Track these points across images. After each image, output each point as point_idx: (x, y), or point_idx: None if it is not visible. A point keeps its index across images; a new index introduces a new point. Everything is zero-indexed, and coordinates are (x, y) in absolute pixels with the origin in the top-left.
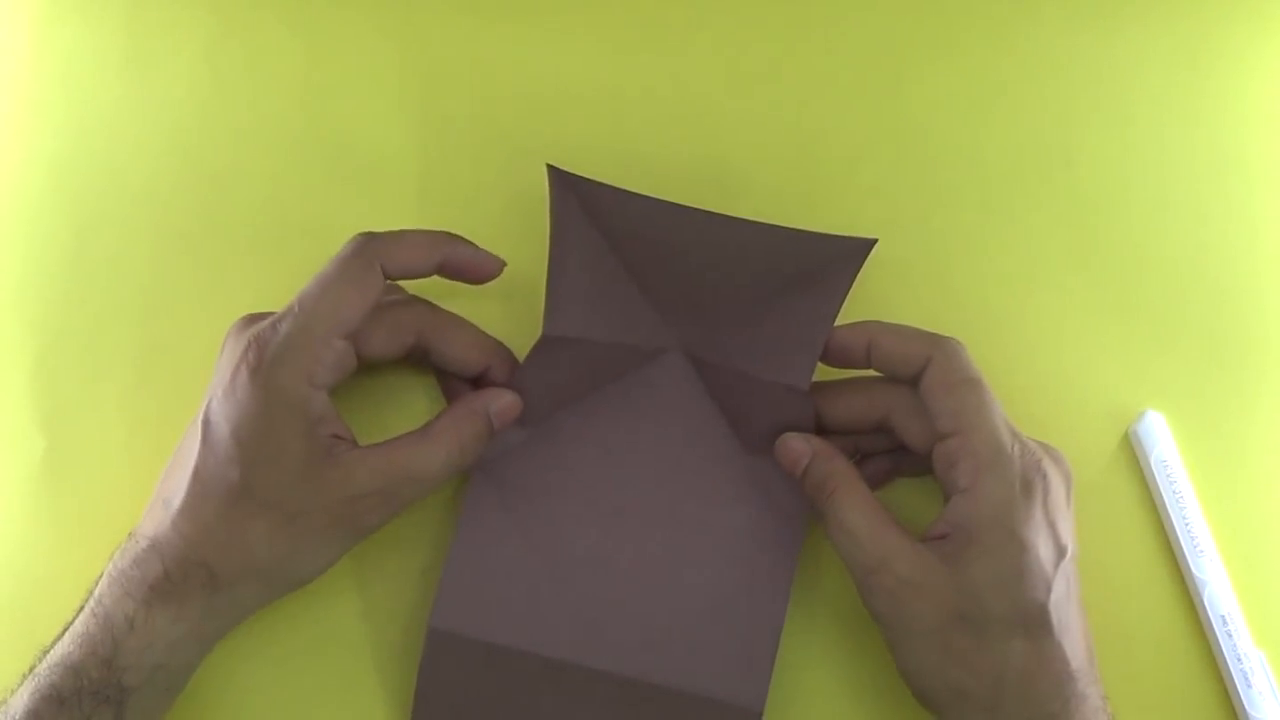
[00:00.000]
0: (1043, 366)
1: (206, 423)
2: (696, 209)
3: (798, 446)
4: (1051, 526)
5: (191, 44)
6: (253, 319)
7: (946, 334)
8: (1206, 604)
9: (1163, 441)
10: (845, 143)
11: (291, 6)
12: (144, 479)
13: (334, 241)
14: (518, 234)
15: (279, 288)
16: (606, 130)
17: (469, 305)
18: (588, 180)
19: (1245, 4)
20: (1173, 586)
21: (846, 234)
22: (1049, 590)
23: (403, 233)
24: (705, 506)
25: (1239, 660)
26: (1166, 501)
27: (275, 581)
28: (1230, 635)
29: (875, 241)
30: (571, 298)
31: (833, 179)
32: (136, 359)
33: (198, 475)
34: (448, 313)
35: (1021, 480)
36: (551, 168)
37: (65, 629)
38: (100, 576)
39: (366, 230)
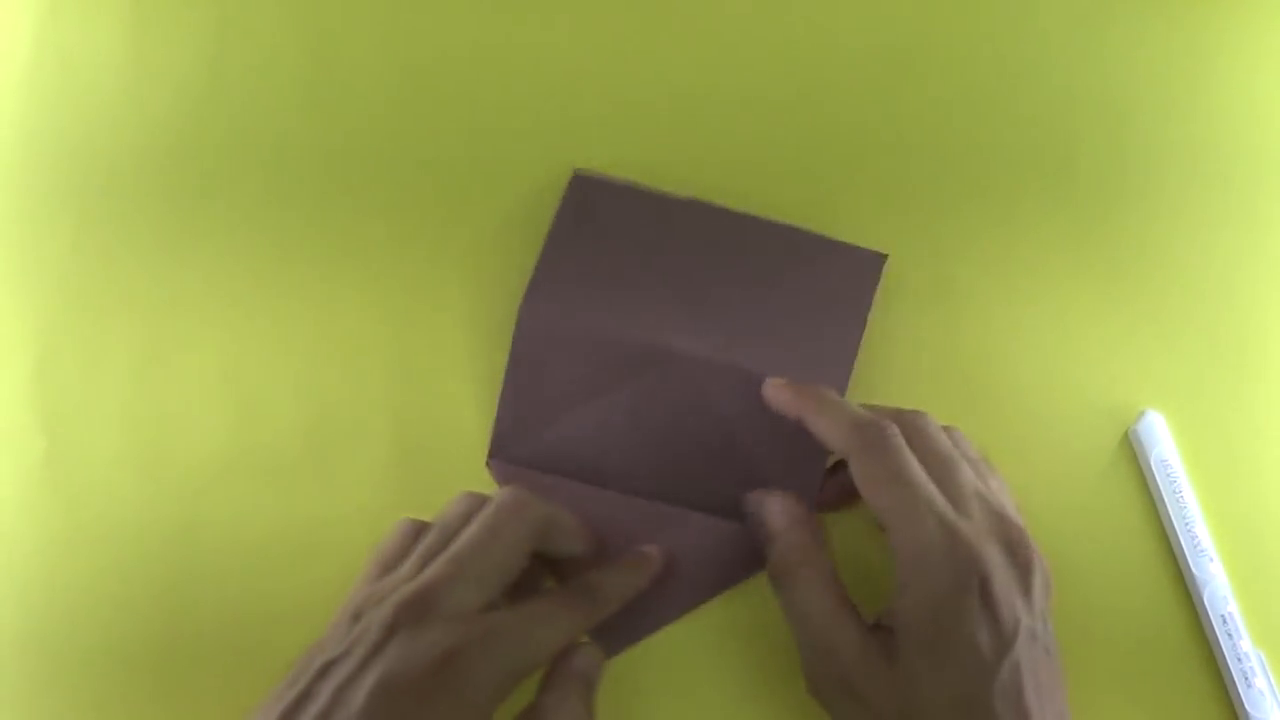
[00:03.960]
0: (1043, 366)
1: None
2: (715, 206)
3: (775, 512)
4: (992, 616)
5: (193, 42)
6: (419, 607)
7: (902, 408)
8: (1206, 604)
9: (1163, 441)
10: (845, 143)
11: (293, 4)
12: (144, 479)
13: (335, 240)
14: (521, 232)
15: (280, 287)
16: (605, 127)
17: (474, 303)
18: (608, 180)
19: (1246, 2)
20: (1173, 586)
21: (858, 245)
22: (990, 680)
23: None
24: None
25: (1239, 660)
26: (1166, 501)
27: None
28: (1230, 635)
29: (886, 256)
30: (556, 287)
31: (832, 179)
32: (136, 359)
33: None
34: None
35: (953, 577)
36: (577, 173)
37: None
38: None
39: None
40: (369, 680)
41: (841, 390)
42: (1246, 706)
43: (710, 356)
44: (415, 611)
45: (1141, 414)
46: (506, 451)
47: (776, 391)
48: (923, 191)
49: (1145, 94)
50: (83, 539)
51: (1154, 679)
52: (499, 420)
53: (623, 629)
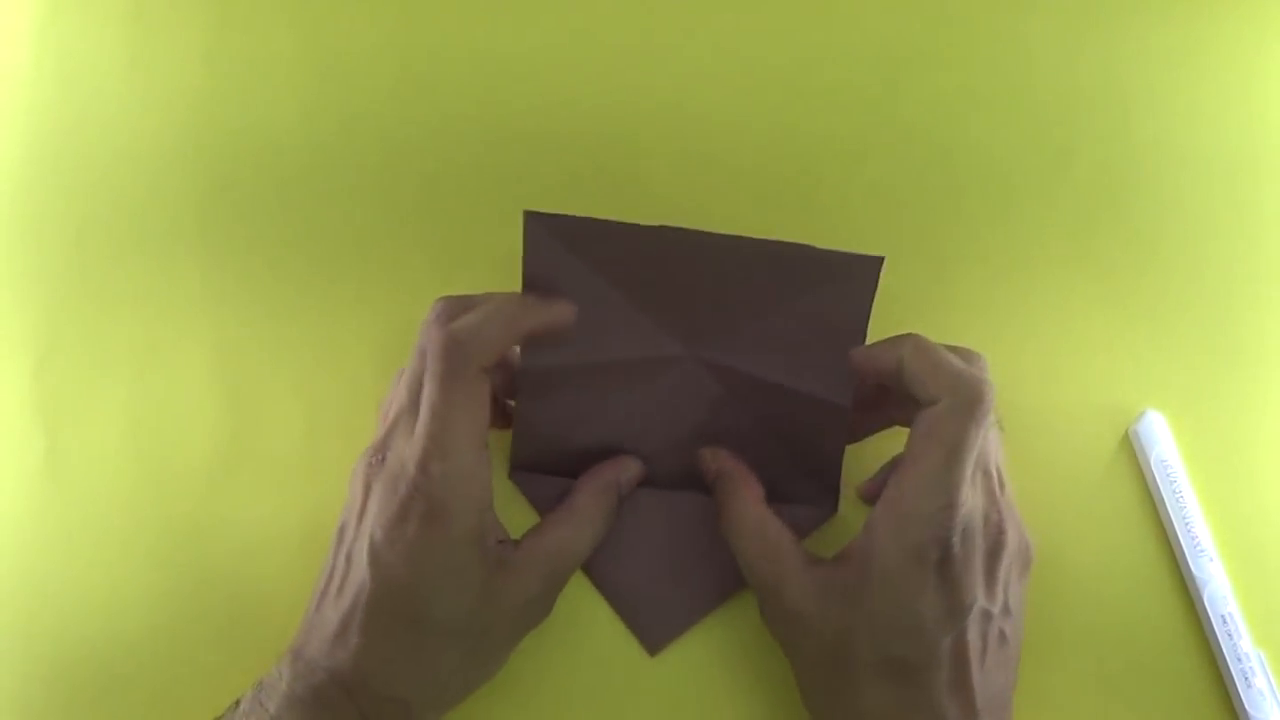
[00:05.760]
0: (1043, 366)
1: (376, 564)
2: (691, 230)
3: (706, 461)
4: (950, 588)
5: (192, 43)
6: (380, 451)
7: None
8: (1206, 604)
9: (1163, 441)
10: (844, 143)
11: (292, 5)
12: (144, 479)
13: (336, 239)
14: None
15: (279, 287)
16: (605, 130)
17: None
18: (569, 217)
19: (1245, 3)
20: (1173, 586)
21: (849, 250)
22: (931, 647)
23: (480, 325)
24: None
25: (1239, 660)
26: (1166, 501)
27: (460, 697)
28: (1230, 635)
29: (883, 259)
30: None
31: (832, 179)
32: (136, 359)
33: (377, 612)
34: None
35: (914, 547)
36: (528, 214)
37: None
38: (261, 686)
39: (439, 323)
40: (363, 541)
41: (846, 401)
42: (1246, 706)
43: (718, 361)
44: (378, 462)
45: (1141, 414)
46: (527, 464)
47: (876, 351)
48: (922, 192)
49: (1144, 93)
50: (83, 539)
51: (1154, 679)
52: (515, 440)
53: (664, 624)
